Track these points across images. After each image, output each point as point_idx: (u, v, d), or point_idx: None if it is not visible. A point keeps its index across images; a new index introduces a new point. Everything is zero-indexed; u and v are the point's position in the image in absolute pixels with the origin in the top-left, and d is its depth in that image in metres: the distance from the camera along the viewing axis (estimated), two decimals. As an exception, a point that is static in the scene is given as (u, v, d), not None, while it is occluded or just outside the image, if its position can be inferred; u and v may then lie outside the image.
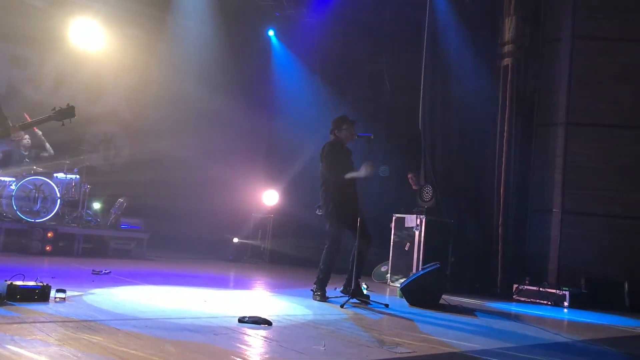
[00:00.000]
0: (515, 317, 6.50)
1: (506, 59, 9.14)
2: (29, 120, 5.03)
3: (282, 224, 11.46)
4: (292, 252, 10.75)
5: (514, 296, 8.27)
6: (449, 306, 6.48)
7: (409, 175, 9.22)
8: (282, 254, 10.95)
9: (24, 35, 10.47)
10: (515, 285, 8.34)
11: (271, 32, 12.22)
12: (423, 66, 9.58)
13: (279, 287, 7.46)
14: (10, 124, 4.62)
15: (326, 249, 6.26)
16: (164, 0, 10.98)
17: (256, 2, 11.27)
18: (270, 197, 11.58)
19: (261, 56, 12.22)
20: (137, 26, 11.31)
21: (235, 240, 11.28)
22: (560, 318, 6.87)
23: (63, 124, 4.68)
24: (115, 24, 11.07)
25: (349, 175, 6.18)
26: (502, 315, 6.49)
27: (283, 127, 11.62)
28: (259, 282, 8.14)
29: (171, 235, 10.71)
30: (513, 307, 7.42)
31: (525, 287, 8.22)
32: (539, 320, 6.34)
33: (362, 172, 6.04)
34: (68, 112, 4.61)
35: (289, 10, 11.77)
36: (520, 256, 8.89)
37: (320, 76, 11.44)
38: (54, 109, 4.60)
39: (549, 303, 7.89)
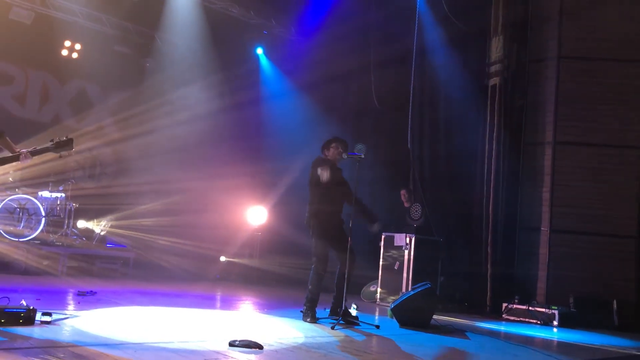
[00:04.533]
0: (506, 337, 6.47)
1: (493, 79, 9.21)
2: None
3: (270, 242, 11.37)
4: (281, 271, 10.65)
5: (503, 315, 8.25)
6: (440, 326, 6.43)
7: (402, 192, 9.17)
8: (270, 272, 10.84)
9: (8, 51, 10.36)
10: (504, 304, 8.32)
11: (259, 50, 12.21)
12: (411, 84, 9.63)
13: (268, 308, 7.36)
14: (18, 150, 4.55)
15: (313, 269, 6.22)
16: (153, 18, 10.93)
17: (244, 20, 11.28)
18: (258, 215, 11.49)
19: (249, 73, 12.20)
20: (126, 43, 11.28)
21: (223, 258, 11.16)
22: (550, 338, 6.85)
23: (60, 156, 4.67)
24: (102, 40, 11.02)
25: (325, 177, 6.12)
26: (492, 335, 6.46)
27: (271, 144, 11.58)
28: (247, 302, 8.05)
29: (157, 253, 10.56)
30: (503, 327, 7.39)
31: (515, 306, 8.20)
32: (529, 341, 6.32)
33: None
34: (66, 145, 4.59)
35: (277, 29, 11.80)
36: (509, 274, 8.88)
37: (308, 93, 11.43)
38: (52, 140, 4.58)
39: (539, 322, 7.88)
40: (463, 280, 8.91)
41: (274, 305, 7.81)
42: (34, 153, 4.50)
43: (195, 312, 6.17)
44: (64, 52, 10.78)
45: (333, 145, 6.42)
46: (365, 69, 10.58)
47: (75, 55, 10.84)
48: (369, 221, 6.50)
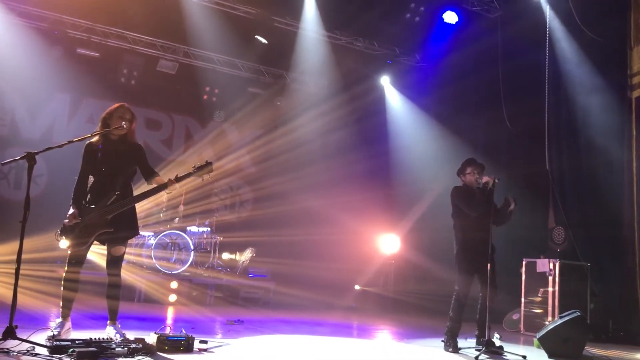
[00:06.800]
0: (672, 371, 5.90)
1: (637, 90, 8.59)
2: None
3: (404, 271, 11.30)
4: (416, 301, 10.52)
5: (667, 346, 7.51)
6: (593, 358, 6.01)
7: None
8: (405, 302, 10.74)
9: (156, 100, 11.49)
10: (667, 334, 7.59)
11: (385, 80, 12.33)
12: (546, 104, 9.22)
13: (406, 337, 7.31)
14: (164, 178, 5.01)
15: (455, 297, 6.09)
16: (283, 59, 11.52)
17: (369, 52, 11.52)
18: (390, 243, 11.49)
19: (377, 104, 12.38)
20: (259, 84, 12.01)
21: (357, 287, 11.26)
22: None
23: (203, 179, 5.08)
24: (238, 83, 11.81)
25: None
26: (656, 369, 5.92)
27: (402, 173, 11.61)
28: (384, 330, 8.05)
29: (295, 282, 10.92)
30: (667, 359, 6.73)
31: (680, 335, 7.45)
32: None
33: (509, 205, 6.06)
34: (206, 168, 4.99)
35: (401, 57, 11.89)
36: (670, 301, 8.09)
37: (436, 120, 11.33)
38: (194, 166, 5.00)
39: None
40: (616, 307, 8.25)
41: (412, 334, 7.73)
42: (178, 179, 4.92)
43: (335, 341, 6.30)
44: (205, 97, 11.72)
45: (468, 171, 6.31)
46: (494, 90, 10.28)
47: (214, 99, 11.75)
48: (510, 207, 6.23)
